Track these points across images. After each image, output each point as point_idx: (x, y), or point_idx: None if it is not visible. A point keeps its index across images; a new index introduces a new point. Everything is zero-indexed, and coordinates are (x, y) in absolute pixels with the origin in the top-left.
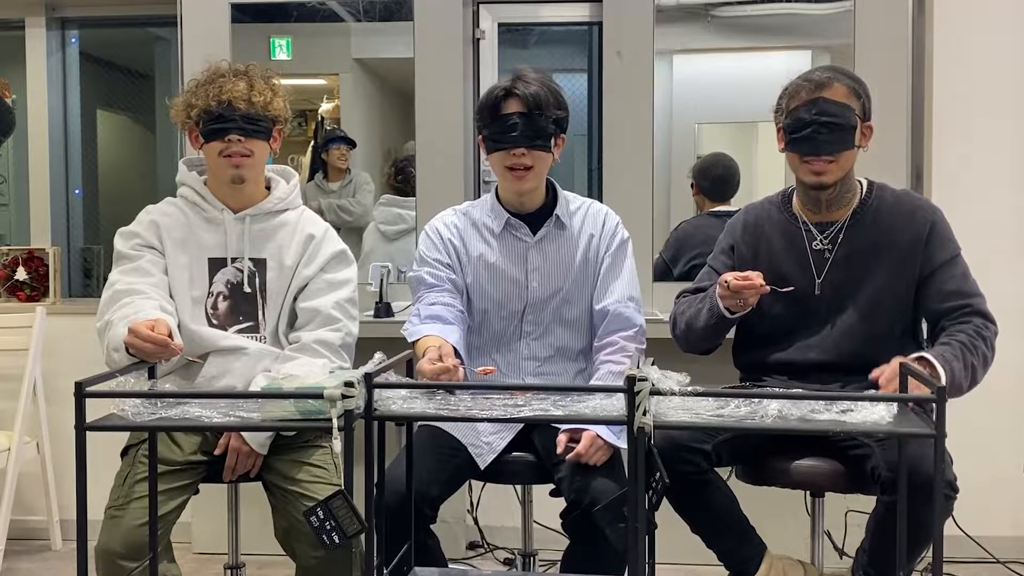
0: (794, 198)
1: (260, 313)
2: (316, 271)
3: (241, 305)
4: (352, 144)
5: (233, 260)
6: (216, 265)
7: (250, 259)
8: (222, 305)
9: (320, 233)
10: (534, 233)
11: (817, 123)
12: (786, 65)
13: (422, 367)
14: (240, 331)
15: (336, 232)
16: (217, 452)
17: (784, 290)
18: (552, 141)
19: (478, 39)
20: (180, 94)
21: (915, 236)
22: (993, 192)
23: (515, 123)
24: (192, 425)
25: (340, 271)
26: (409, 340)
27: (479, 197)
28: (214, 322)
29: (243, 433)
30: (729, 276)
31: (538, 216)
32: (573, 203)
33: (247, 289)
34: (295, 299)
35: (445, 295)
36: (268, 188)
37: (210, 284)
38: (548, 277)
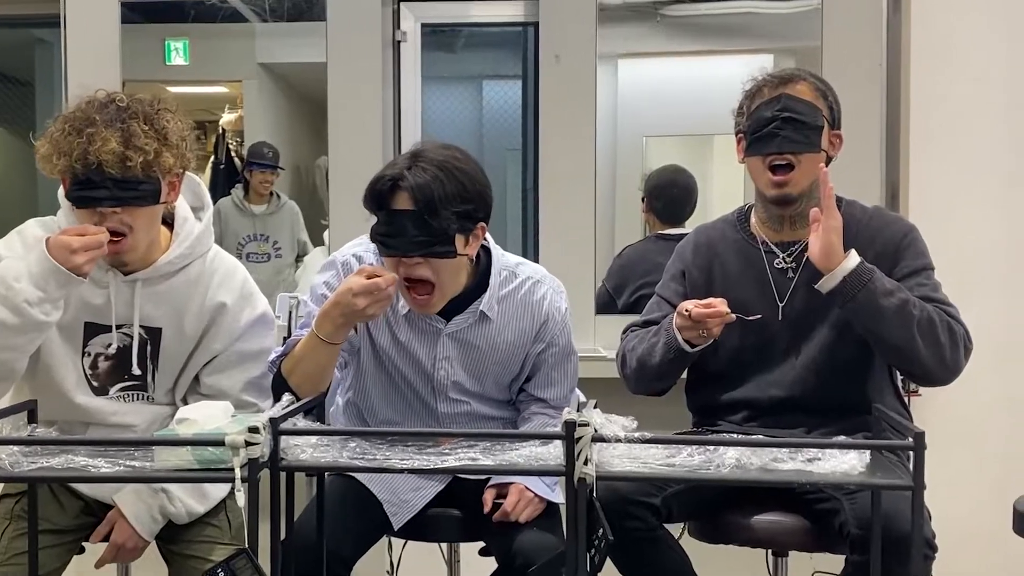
0: (752, 216)
1: (150, 377)
2: (227, 345)
3: (127, 366)
4: (279, 169)
5: (119, 326)
6: (96, 328)
7: (141, 326)
8: (103, 364)
9: (233, 299)
10: (448, 319)
11: (780, 119)
12: (745, 70)
13: (350, 281)
14: (124, 389)
15: (255, 285)
16: (93, 541)
17: (751, 318)
18: (464, 240)
19: (399, 41)
20: (45, 134)
21: (887, 245)
22: (978, 212)
23: (404, 225)
24: (78, 476)
25: (256, 341)
26: (274, 367)
27: None
28: (94, 384)
29: (130, 518)
30: (689, 304)
31: (458, 299)
32: (508, 284)
33: (136, 359)
34: (201, 367)
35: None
36: (169, 224)
37: (85, 344)
38: (460, 370)
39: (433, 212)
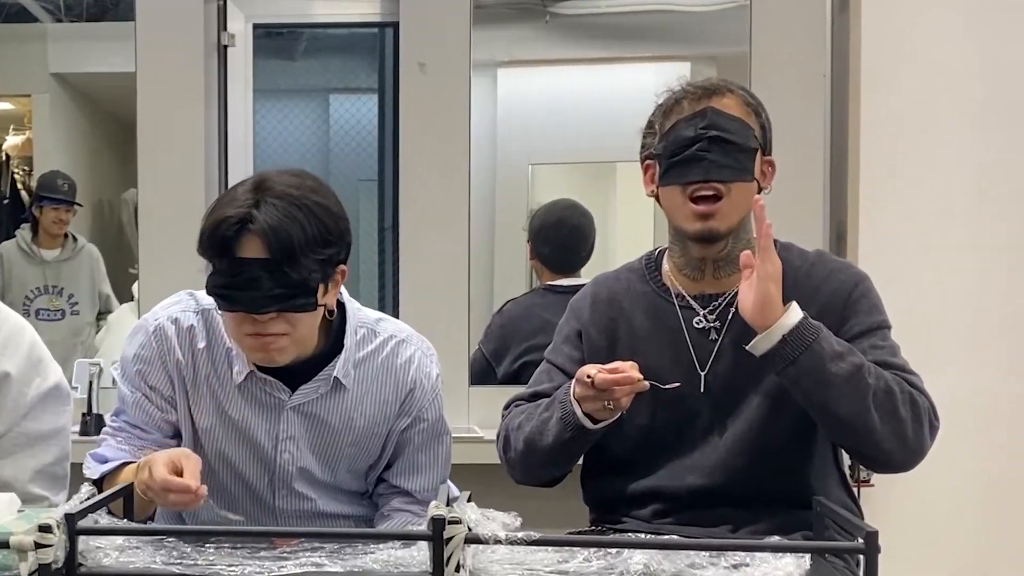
0: (665, 262)
1: None
2: (12, 424)
3: None
4: (76, 205)
5: None
6: None
7: None
8: None
9: (18, 369)
10: (293, 388)
11: (706, 139)
12: (656, 82)
13: (154, 475)
14: None
15: (45, 350)
16: None
17: (668, 387)
18: (323, 288)
19: (225, 46)
20: None
21: (833, 299)
22: (943, 258)
23: (255, 277)
24: None
25: (48, 419)
26: (95, 475)
27: None
28: None
29: None
30: (591, 369)
31: (306, 364)
32: (366, 344)
33: None
34: None
35: (148, 445)
36: None
37: None
38: (308, 453)
39: (292, 261)
